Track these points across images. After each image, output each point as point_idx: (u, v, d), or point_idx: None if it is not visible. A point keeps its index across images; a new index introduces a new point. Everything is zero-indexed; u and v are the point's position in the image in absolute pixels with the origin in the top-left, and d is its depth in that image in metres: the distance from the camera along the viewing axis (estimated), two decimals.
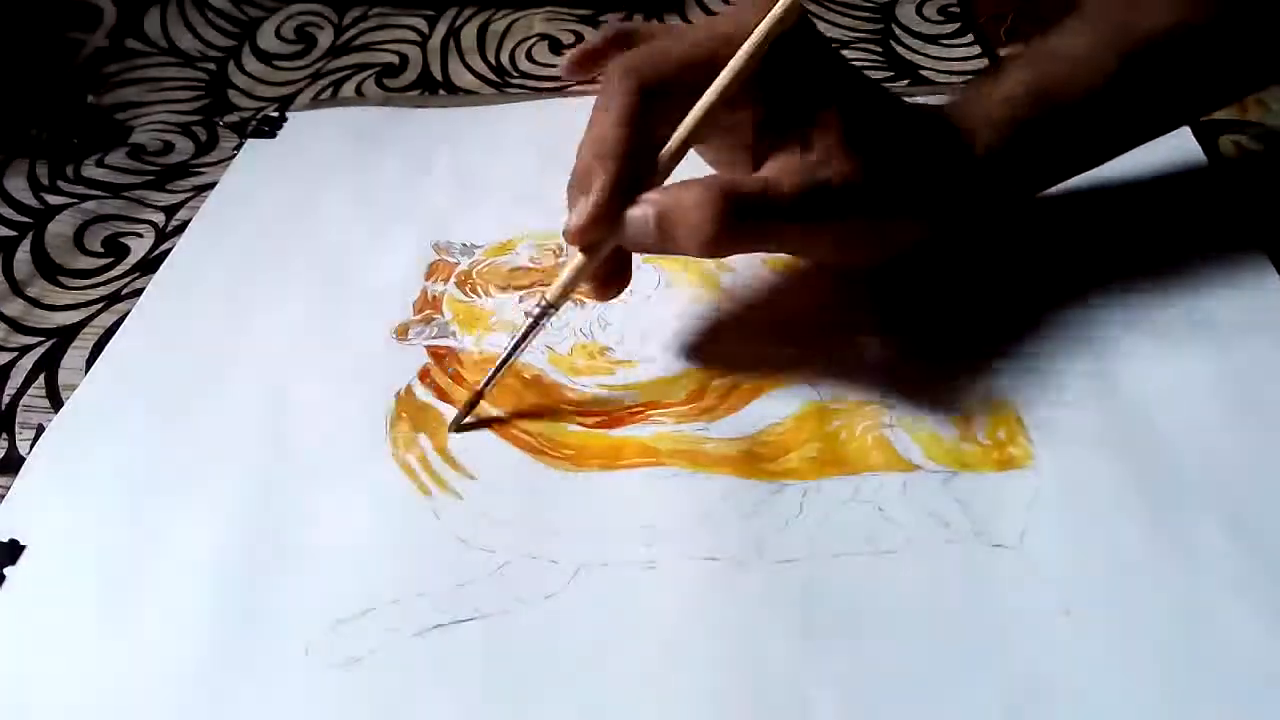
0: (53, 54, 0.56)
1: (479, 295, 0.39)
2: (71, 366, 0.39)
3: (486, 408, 0.34)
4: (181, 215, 0.46)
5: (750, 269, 0.39)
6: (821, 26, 0.54)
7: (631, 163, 0.30)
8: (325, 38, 0.59)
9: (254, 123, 0.51)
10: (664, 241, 0.30)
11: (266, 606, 0.29)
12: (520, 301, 0.38)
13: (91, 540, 0.31)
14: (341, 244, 0.42)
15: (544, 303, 0.32)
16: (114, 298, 0.42)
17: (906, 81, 0.51)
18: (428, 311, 0.39)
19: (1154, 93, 0.34)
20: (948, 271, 0.37)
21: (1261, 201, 0.40)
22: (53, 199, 0.47)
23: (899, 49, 0.53)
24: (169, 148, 0.51)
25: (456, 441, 0.33)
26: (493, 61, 0.55)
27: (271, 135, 0.50)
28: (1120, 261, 0.37)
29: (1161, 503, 0.30)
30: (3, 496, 0.33)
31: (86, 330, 0.40)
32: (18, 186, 0.48)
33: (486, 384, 0.33)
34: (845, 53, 0.52)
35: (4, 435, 0.36)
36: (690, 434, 0.33)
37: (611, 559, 0.30)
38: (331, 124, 0.50)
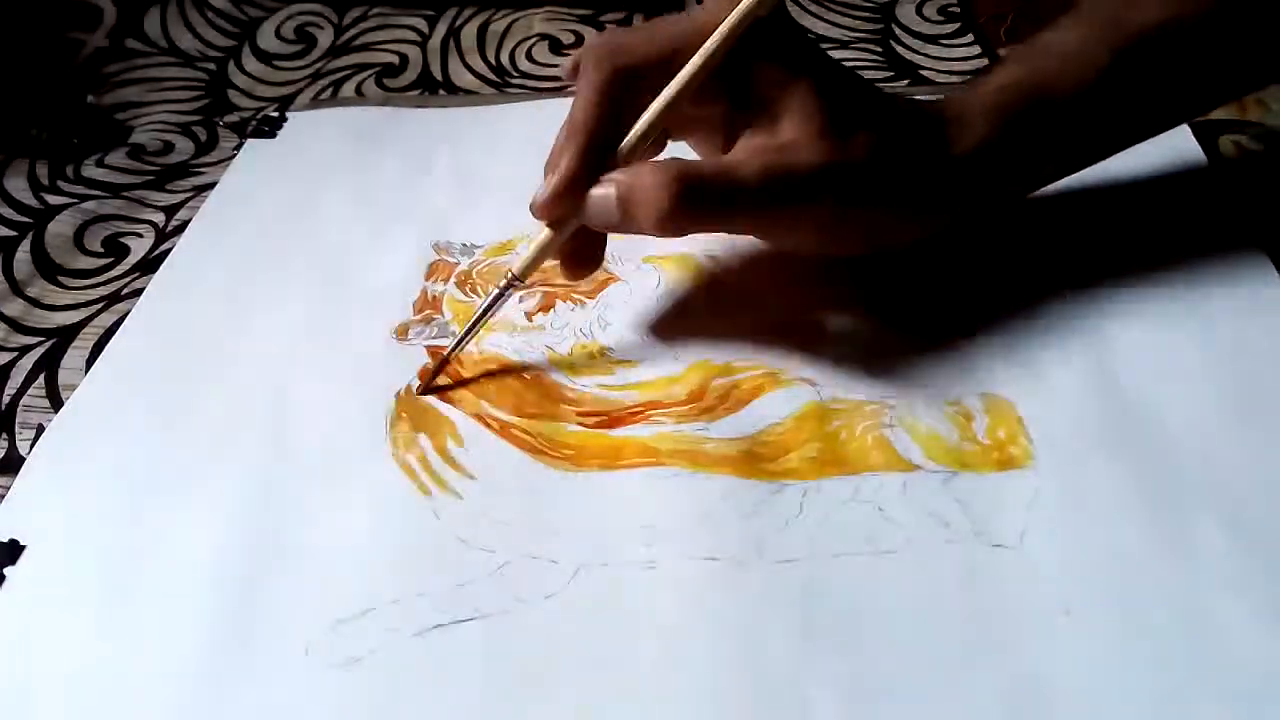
0: (53, 54, 0.56)
1: (479, 295, 0.39)
2: (71, 366, 0.39)
3: (486, 407, 0.34)
4: (181, 215, 0.46)
5: (750, 269, 0.39)
6: (821, 27, 0.55)
7: (599, 143, 0.31)
8: (325, 38, 0.59)
9: (254, 123, 0.51)
10: (624, 220, 0.31)
11: (266, 606, 0.29)
12: (520, 302, 0.38)
13: (91, 540, 0.31)
14: (341, 244, 0.42)
15: (510, 275, 0.33)
16: (114, 298, 0.42)
17: (906, 81, 0.51)
18: (428, 311, 0.39)
19: (1147, 90, 0.34)
20: (948, 270, 0.37)
21: (1261, 201, 0.39)
22: (53, 199, 0.47)
23: (899, 49, 0.53)
24: (169, 148, 0.51)
25: (456, 442, 0.33)
26: (493, 61, 0.55)
27: (271, 135, 0.50)
28: (1120, 261, 0.37)
29: (1161, 502, 0.30)
30: (3, 496, 0.33)
31: (86, 330, 0.40)
32: (18, 186, 0.48)
33: (451, 351, 0.35)
34: (845, 53, 0.53)
35: (4, 435, 0.36)
36: (690, 434, 0.33)
37: (611, 559, 0.30)
38: (331, 124, 0.50)
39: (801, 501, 0.31)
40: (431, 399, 0.35)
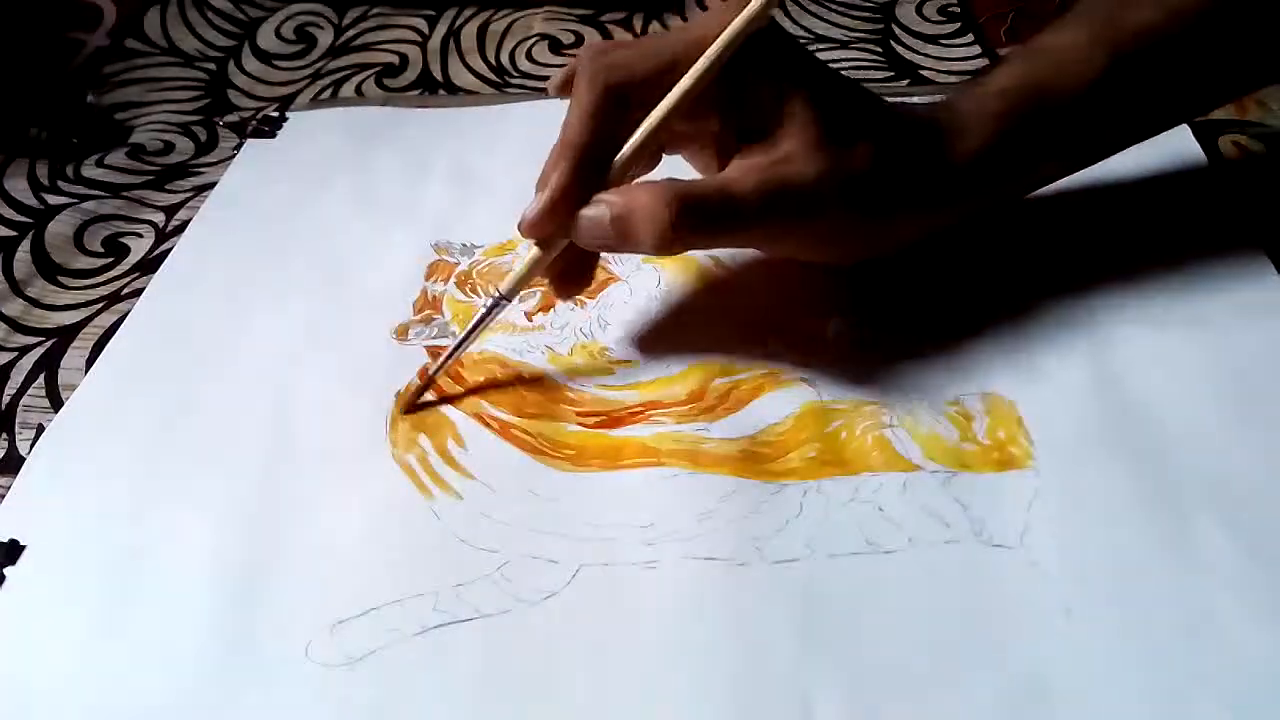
0: (53, 54, 0.56)
1: (479, 295, 0.39)
2: (71, 366, 0.39)
3: (487, 407, 0.34)
4: (181, 215, 0.46)
5: (751, 269, 0.39)
6: (821, 27, 0.55)
7: (589, 161, 0.31)
8: (325, 38, 0.58)
9: (254, 123, 0.51)
10: (620, 241, 0.30)
11: (266, 606, 0.29)
12: (520, 302, 0.38)
13: (91, 540, 0.31)
14: (341, 244, 0.42)
15: (497, 294, 0.33)
16: (114, 298, 0.42)
17: (906, 81, 0.51)
18: (428, 311, 0.39)
19: (1146, 90, 0.34)
20: (948, 271, 0.37)
21: (1261, 201, 0.39)
22: (53, 199, 0.47)
23: (899, 49, 0.53)
24: (169, 148, 0.51)
25: (457, 442, 0.33)
26: (493, 61, 0.55)
27: (271, 135, 0.50)
28: (1120, 261, 0.37)
29: (1161, 502, 0.30)
30: (3, 496, 0.33)
31: (86, 330, 0.40)
32: (18, 186, 0.48)
33: (436, 371, 0.34)
34: (845, 53, 0.53)
35: (4, 435, 0.36)
36: (690, 434, 0.33)
37: (611, 559, 0.30)
38: (331, 124, 0.50)
39: (801, 501, 0.31)
40: (431, 398, 0.35)
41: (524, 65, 0.55)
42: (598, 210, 0.30)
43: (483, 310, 0.33)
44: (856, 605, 0.28)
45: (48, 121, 0.52)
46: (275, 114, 0.51)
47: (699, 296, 0.38)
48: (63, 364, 0.39)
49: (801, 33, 0.55)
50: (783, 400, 0.34)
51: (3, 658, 0.29)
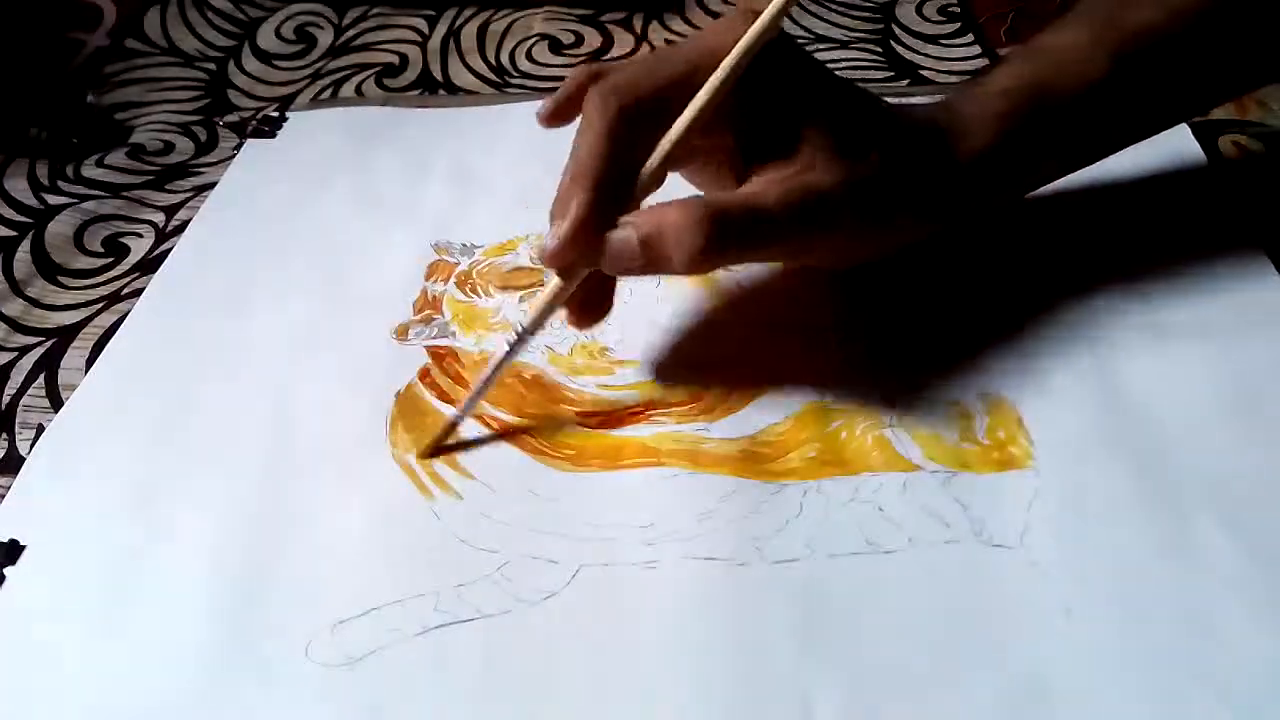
0: (53, 54, 0.56)
1: (479, 295, 0.39)
2: (71, 366, 0.39)
3: (487, 407, 0.34)
4: (181, 215, 0.46)
5: (750, 269, 0.39)
6: (821, 27, 0.55)
7: (609, 185, 0.30)
8: (325, 38, 0.58)
9: (254, 123, 0.51)
10: (649, 263, 0.29)
11: (266, 606, 0.29)
12: (520, 302, 0.38)
13: (91, 540, 0.31)
14: (341, 244, 0.42)
15: (520, 330, 0.32)
16: (114, 298, 0.42)
17: (906, 81, 0.51)
18: (428, 311, 0.39)
19: (1146, 89, 0.34)
20: (948, 271, 0.37)
21: (1261, 201, 0.40)
22: (53, 199, 0.47)
23: (899, 49, 0.53)
24: (169, 148, 0.51)
25: (456, 442, 0.33)
26: (493, 61, 0.55)
27: (271, 135, 0.50)
28: (1120, 261, 0.37)
29: (1161, 502, 0.30)
30: (3, 496, 0.33)
31: (86, 330, 0.40)
32: (18, 186, 0.48)
33: (463, 413, 0.33)
34: (845, 53, 0.53)
35: (4, 435, 0.36)
36: (690, 434, 0.33)
37: (611, 559, 0.30)
38: (331, 124, 0.50)
39: (801, 501, 0.31)
40: (431, 398, 0.35)
41: (524, 65, 0.55)
42: (625, 233, 0.29)
43: (506, 349, 0.32)
44: (856, 605, 0.28)
45: (48, 121, 0.52)
46: (275, 114, 0.51)
47: (698, 296, 0.38)
48: (63, 364, 0.39)
49: (801, 33, 0.55)
50: (783, 400, 0.34)
51: (3, 658, 0.29)
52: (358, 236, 0.43)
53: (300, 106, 0.53)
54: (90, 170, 0.49)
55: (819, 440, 0.32)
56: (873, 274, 0.37)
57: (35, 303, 0.42)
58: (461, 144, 0.47)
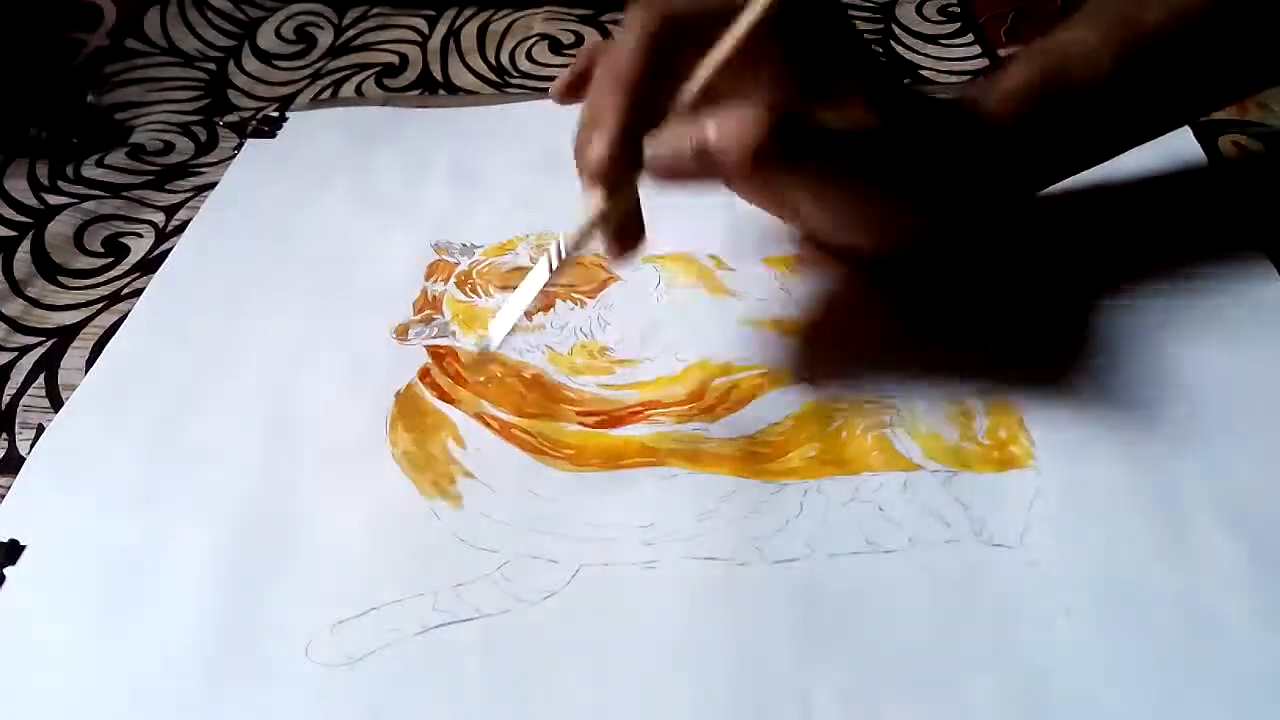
0: (53, 54, 0.56)
1: (479, 295, 0.39)
2: (71, 366, 0.39)
3: (487, 407, 0.34)
4: (181, 215, 0.46)
5: (749, 268, 0.39)
6: None
7: (646, 97, 0.28)
8: (325, 38, 0.58)
9: (254, 123, 0.51)
10: (701, 164, 0.27)
11: (266, 606, 0.29)
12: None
13: (91, 540, 0.31)
14: (341, 244, 0.42)
15: (562, 250, 0.29)
16: (114, 298, 0.42)
17: (906, 82, 0.51)
18: (428, 311, 0.39)
19: (1153, 90, 0.34)
20: (948, 271, 0.37)
21: (1261, 201, 0.40)
22: (53, 199, 0.47)
23: (899, 49, 0.53)
24: (169, 148, 0.51)
25: (457, 442, 0.33)
26: (493, 61, 0.55)
27: (271, 135, 0.50)
28: (1121, 261, 0.37)
29: (1161, 502, 0.30)
30: (3, 496, 0.33)
31: (86, 330, 0.40)
32: (18, 186, 0.48)
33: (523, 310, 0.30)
34: None
35: (4, 435, 0.36)
36: (690, 434, 0.33)
37: (611, 559, 0.30)
38: (331, 124, 0.50)
39: (801, 501, 0.31)
40: (431, 399, 0.35)
41: (524, 65, 0.55)
42: (677, 133, 0.27)
43: (544, 269, 0.29)
44: (857, 605, 0.28)
45: (48, 121, 0.52)
46: (275, 114, 0.51)
47: (698, 295, 0.38)
48: (63, 364, 0.39)
49: None
50: (783, 400, 0.34)
51: (3, 658, 0.29)
52: (358, 236, 0.43)
53: (300, 106, 0.53)
54: (90, 170, 0.49)
55: (819, 440, 0.32)
56: (873, 274, 0.37)
57: (35, 303, 0.42)
58: (461, 144, 0.47)
